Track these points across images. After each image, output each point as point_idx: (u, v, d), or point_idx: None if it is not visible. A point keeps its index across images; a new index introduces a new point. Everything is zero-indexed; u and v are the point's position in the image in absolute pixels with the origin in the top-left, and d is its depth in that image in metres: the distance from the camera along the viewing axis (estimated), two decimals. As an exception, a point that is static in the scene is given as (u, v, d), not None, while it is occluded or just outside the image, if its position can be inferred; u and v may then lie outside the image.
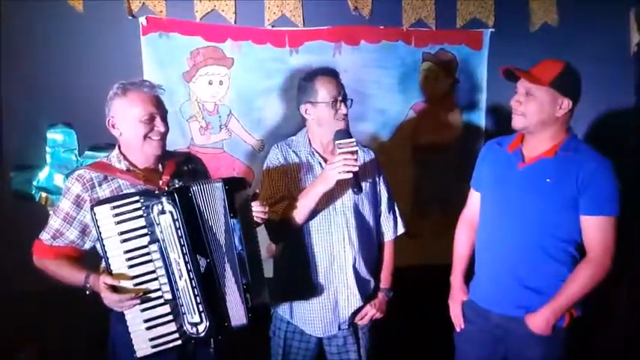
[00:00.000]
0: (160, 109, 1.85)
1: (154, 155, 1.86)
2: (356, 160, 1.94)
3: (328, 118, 2.08)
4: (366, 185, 2.15)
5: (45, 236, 1.83)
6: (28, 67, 2.52)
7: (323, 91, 2.07)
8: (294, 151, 2.16)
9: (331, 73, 2.13)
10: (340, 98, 2.08)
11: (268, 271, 2.18)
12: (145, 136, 1.82)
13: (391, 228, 2.28)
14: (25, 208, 2.58)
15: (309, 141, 2.16)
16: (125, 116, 1.81)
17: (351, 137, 1.97)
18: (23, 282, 2.34)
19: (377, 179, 2.24)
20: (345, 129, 2.02)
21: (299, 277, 2.12)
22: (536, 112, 1.91)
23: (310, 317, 2.12)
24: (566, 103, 1.90)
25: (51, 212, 1.92)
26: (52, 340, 2.55)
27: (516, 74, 1.94)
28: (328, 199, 2.07)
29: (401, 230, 2.31)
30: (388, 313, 2.25)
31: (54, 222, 1.82)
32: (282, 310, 2.17)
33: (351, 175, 1.93)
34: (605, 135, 2.91)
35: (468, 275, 2.22)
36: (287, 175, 2.12)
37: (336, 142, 1.96)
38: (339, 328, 2.14)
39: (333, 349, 2.19)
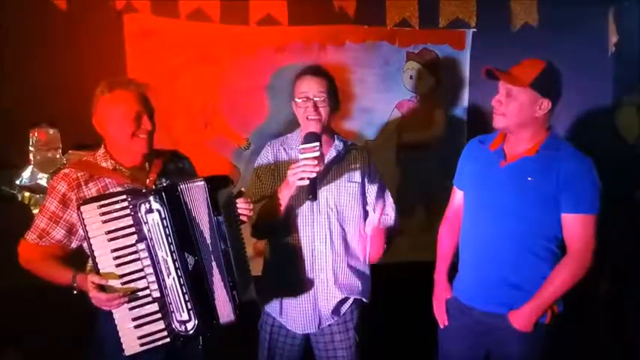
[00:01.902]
0: (146, 107, 1.85)
1: (141, 153, 1.85)
2: (315, 165, 1.88)
3: (300, 117, 2.06)
4: (354, 185, 2.14)
5: (31, 236, 1.82)
6: (11, 65, 2.49)
7: (299, 89, 2.06)
8: (284, 149, 2.16)
9: (312, 71, 2.08)
10: (312, 97, 2.02)
11: (257, 269, 2.20)
12: (132, 135, 1.81)
13: (376, 218, 2.15)
14: (8, 208, 2.55)
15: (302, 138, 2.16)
16: (112, 114, 1.81)
17: (315, 142, 1.91)
18: (7, 281, 2.32)
19: (366, 178, 2.19)
20: (312, 132, 1.94)
21: (283, 275, 2.14)
22: (516, 112, 1.93)
23: (292, 313, 2.13)
24: (546, 104, 1.93)
25: (36, 212, 1.91)
26: (37, 341, 2.53)
27: (496, 75, 1.97)
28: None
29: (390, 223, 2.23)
30: (373, 309, 2.26)
31: (40, 221, 1.81)
32: (270, 306, 2.18)
33: (307, 182, 1.90)
34: (583, 134, 2.97)
35: (452, 273, 2.24)
36: (273, 173, 2.12)
37: (300, 146, 1.94)
38: (319, 327, 2.15)
39: (320, 346, 2.20)
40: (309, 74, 2.07)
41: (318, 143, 1.91)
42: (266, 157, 2.16)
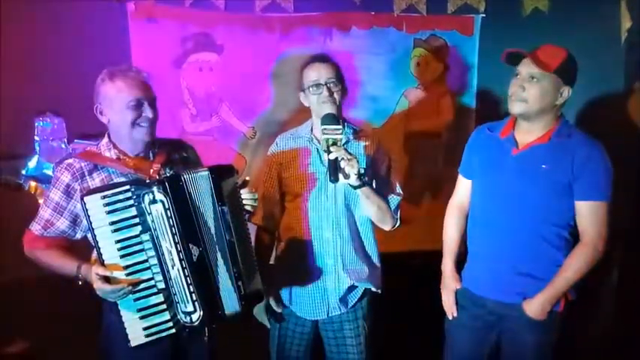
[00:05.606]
0: (147, 94, 1.82)
1: (142, 142, 1.83)
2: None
3: (313, 103, 2.05)
4: (366, 172, 2.08)
5: (35, 227, 1.81)
6: (16, 55, 2.48)
7: (307, 76, 2.04)
8: (294, 139, 2.15)
9: (319, 59, 2.07)
10: (324, 82, 2.01)
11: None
12: (133, 123, 1.79)
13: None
14: (14, 197, 2.56)
15: (312, 128, 2.14)
16: (112, 103, 1.78)
17: (337, 123, 1.89)
18: (12, 273, 2.33)
19: (376, 164, 2.16)
20: (331, 113, 1.94)
21: (292, 262, 2.14)
22: (538, 98, 1.88)
23: (300, 300, 2.14)
24: (567, 92, 1.89)
25: (41, 202, 1.90)
26: (43, 331, 2.55)
27: (524, 55, 1.90)
28: (320, 184, 2.07)
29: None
30: (381, 298, 2.25)
31: (44, 212, 1.81)
32: (281, 293, 2.18)
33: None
34: (594, 121, 2.92)
35: (459, 263, 2.22)
36: (281, 163, 2.13)
37: (322, 126, 1.91)
38: (328, 315, 2.14)
39: (329, 334, 2.20)
40: (317, 61, 2.06)
41: (340, 126, 1.89)
42: (275, 147, 2.17)
